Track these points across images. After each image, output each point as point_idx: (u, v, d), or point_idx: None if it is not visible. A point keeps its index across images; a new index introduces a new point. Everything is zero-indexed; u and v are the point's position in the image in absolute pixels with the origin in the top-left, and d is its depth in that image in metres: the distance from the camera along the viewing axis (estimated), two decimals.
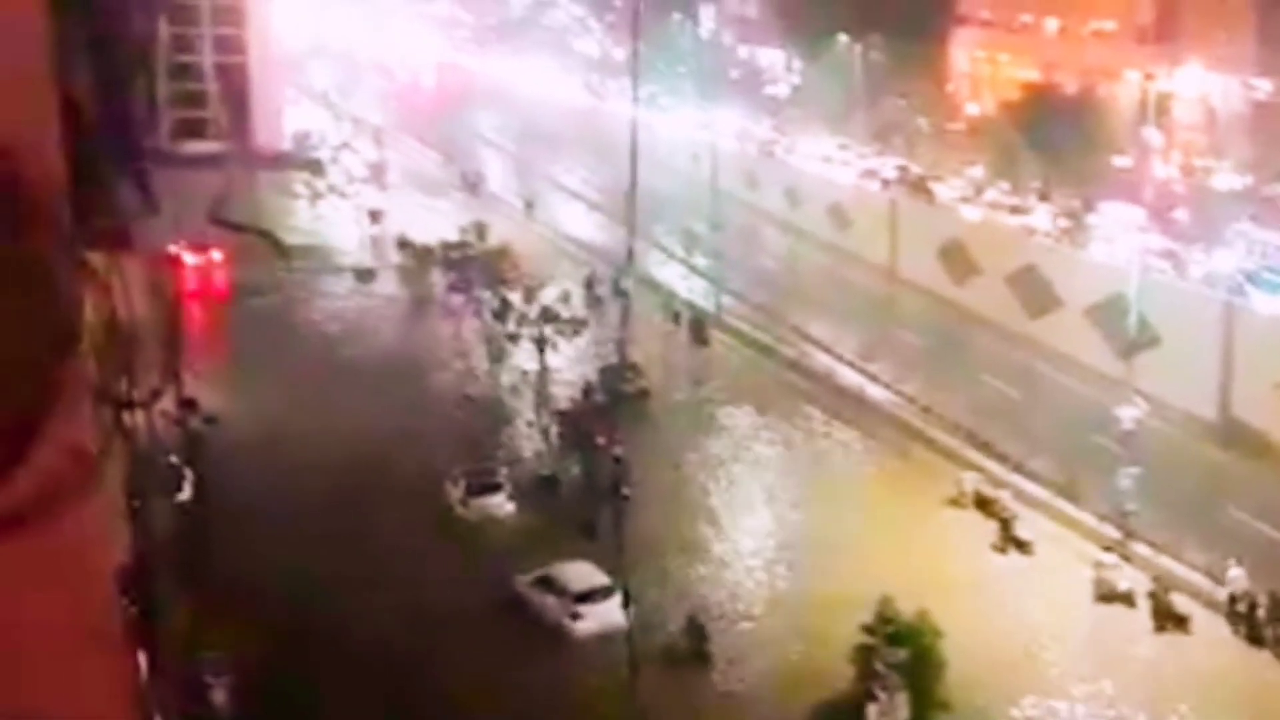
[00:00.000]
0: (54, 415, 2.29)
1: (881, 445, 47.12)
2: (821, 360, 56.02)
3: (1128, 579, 36.92)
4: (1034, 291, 56.03)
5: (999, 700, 32.42)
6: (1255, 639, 34.73)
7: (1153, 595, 36.14)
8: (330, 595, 36.95)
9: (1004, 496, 41.40)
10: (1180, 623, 35.57)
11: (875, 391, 52.09)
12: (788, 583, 38.92)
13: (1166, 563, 37.75)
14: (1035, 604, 36.79)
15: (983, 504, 41.63)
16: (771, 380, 54.75)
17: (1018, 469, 43.94)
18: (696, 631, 34.94)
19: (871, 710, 31.80)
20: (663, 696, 30.64)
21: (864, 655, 32.15)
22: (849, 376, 53.84)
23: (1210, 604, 35.94)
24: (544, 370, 56.20)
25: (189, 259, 54.80)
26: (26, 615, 2.36)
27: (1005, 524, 40.24)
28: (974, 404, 48.70)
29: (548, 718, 32.59)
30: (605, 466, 43.38)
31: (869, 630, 32.28)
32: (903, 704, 31.86)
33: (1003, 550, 39.75)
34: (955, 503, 42.06)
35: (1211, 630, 35.33)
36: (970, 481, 42.50)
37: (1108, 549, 38.23)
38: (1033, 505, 41.97)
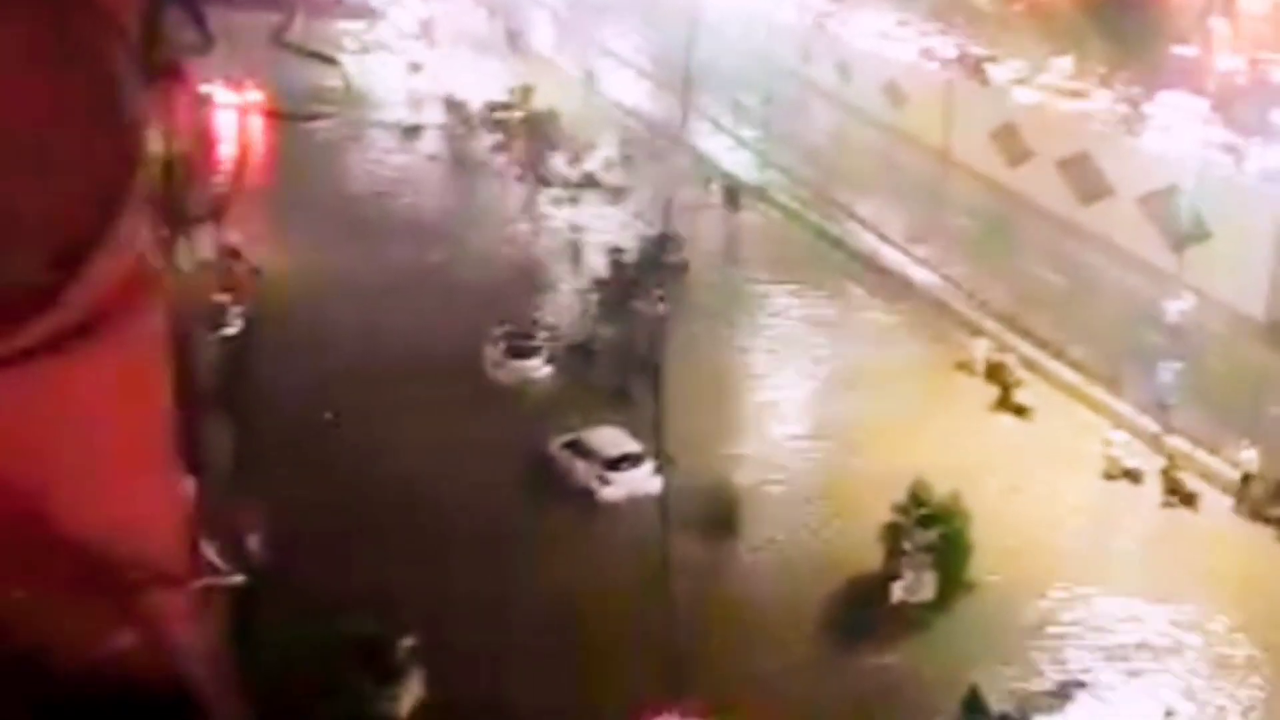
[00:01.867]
0: (117, 230, 2.31)
1: (923, 328, 46.68)
2: (867, 240, 55.40)
3: (1137, 457, 37.34)
4: (1086, 178, 55.08)
5: (1025, 583, 32.41)
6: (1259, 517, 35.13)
7: (1164, 473, 36.70)
8: (364, 451, 37.18)
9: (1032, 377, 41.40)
10: (1189, 500, 36.02)
11: (920, 273, 51.54)
12: (821, 458, 38.87)
13: (1198, 453, 37.56)
14: (1066, 489, 36.65)
15: (993, 373, 42.22)
16: (816, 257, 54.22)
17: (1059, 356, 43.55)
18: (727, 500, 35.00)
19: (897, 588, 31.88)
20: (690, 563, 30.74)
21: (893, 534, 32.16)
22: (894, 257, 53.25)
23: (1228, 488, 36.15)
24: (585, 236, 55.80)
25: (227, 97, 54.29)
26: (83, 427, 2.38)
27: (1007, 390, 41.17)
28: (1019, 290, 48.13)
29: (573, 575, 32.74)
30: (641, 334, 43.31)
31: (900, 510, 32.25)
32: (929, 583, 31.92)
33: (1009, 409, 40.07)
34: (963, 367, 42.65)
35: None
36: (983, 350, 42.94)
37: (1138, 437, 38.23)
38: (1070, 392, 41.66)
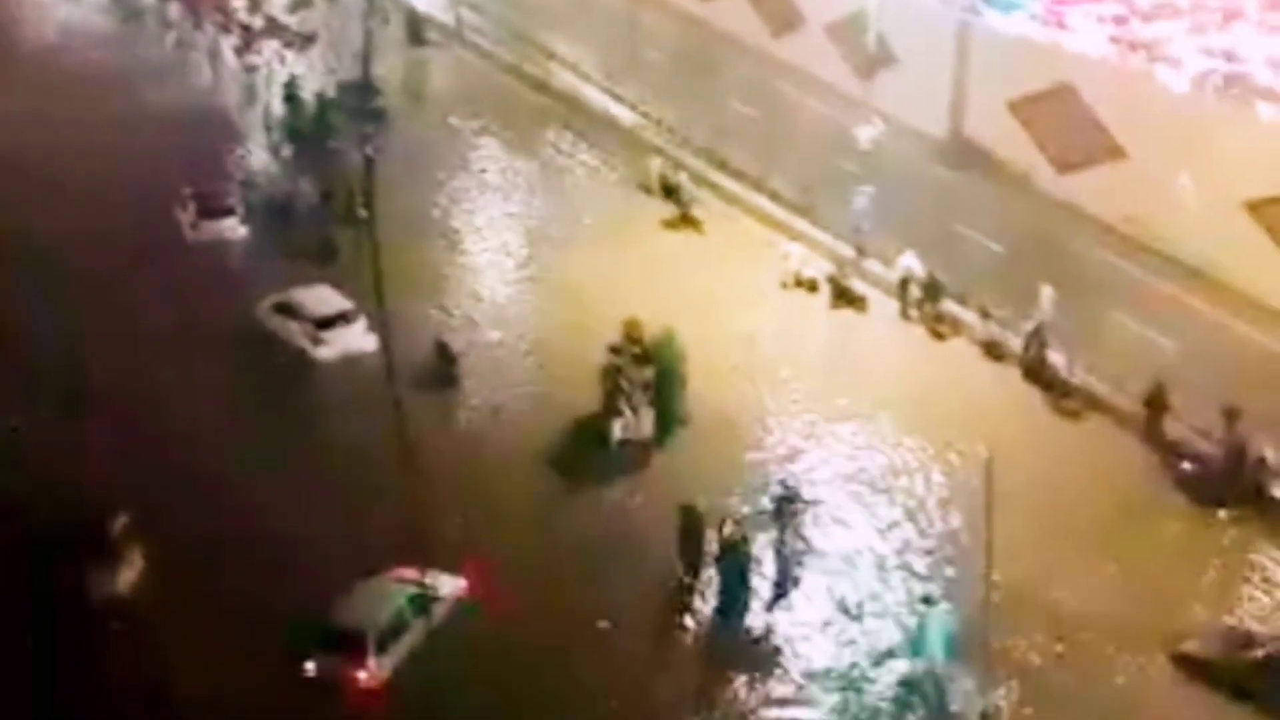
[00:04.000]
0: None
1: (627, 167, 46.81)
2: (567, 80, 54.89)
3: (818, 270, 39.53)
4: (777, 8, 55.70)
5: (739, 412, 33.42)
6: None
7: (831, 279, 39.10)
8: (61, 318, 35.52)
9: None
10: (856, 302, 38.63)
11: (621, 112, 51.49)
12: (535, 305, 38.92)
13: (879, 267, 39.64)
14: (770, 319, 37.82)
15: (669, 191, 43.72)
16: (516, 99, 53.50)
17: (758, 188, 44.42)
18: (444, 355, 34.76)
19: (616, 426, 32.44)
20: (412, 417, 30.50)
21: (610, 375, 32.58)
22: (596, 98, 52.98)
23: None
24: (272, 84, 53.56)
25: None
26: None
27: (685, 216, 42.85)
28: (718, 124, 48.64)
29: (294, 440, 32.19)
30: (343, 185, 42.19)
31: (615, 351, 32.66)
32: (647, 420, 32.59)
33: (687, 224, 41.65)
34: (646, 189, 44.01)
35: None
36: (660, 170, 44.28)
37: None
38: (770, 223, 42.68)
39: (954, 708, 25.10)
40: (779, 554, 28.17)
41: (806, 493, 30.42)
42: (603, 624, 26.77)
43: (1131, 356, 34.46)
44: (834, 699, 25.57)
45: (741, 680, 25.90)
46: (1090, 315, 36.31)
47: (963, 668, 25.54)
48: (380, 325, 33.96)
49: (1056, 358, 35.21)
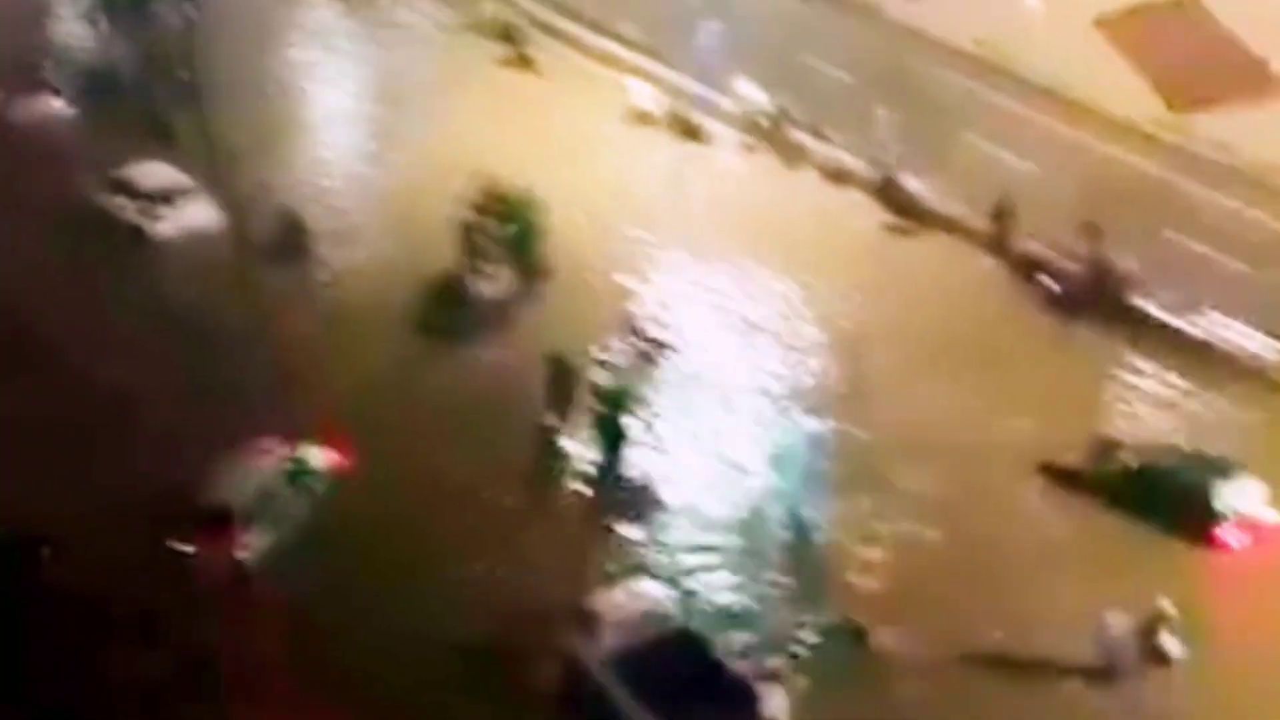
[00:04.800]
0: None
1: (461, 14, 45.05)
2: None
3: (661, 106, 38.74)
4: None
5: (599, 260, 32.80)
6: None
7: (675, 115, 38.39)
8: None
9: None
10: (701, 136, 37.99)
11: None
12: (379, 165, 37.57)
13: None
14: (619, 160, 37.07)
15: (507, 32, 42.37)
16: None
17: (597, 28, 43.17)
18: (293, 225, 33.39)
19: (478, 285, 31.68)
20: (265, 289, 29.38)
21: (468, 233, 31.69)
22: None
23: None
24: None
25: None
26: None
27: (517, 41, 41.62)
28: None
29: (139, 319, 30.74)
30: (166, 50, 39.94)
31: (472, 208, 31.72)
32: (507, 275, 31.85)
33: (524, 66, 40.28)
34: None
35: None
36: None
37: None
38: (612, 63, 41.60)
39: (818, 537, 25.21)
40: (648, 402, 27.85)
41: (674, 336, 30.10)
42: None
43: (985, 177, 34.48)
44: (719, 541, 25.50)
45: (621, 529, 25.68)
46: (942, 139, 36.25)
47: (838, 496, 25.67)
48: (221, 197, 32.61)
49: (910, 182, 35.11)
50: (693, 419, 28.24)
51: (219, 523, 24.32)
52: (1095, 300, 31.16)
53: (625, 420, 27.28)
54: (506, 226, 31.63)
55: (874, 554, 24.51)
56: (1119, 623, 22.29)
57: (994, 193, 33.48)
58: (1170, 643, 22.34)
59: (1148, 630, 22.35)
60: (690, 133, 38.23)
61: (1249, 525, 25.23)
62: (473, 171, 32.33)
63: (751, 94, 38.21)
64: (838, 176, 36.31)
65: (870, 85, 38.36)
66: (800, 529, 25.53)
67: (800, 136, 37.48)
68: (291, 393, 26.90)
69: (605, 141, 37.85)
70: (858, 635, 23.05)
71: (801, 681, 22.21)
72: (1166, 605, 22.41)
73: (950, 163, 35.58)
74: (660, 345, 29.87)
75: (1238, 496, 25.43)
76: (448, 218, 31.86)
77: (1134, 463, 26.31)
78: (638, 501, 26.37)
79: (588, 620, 22.43)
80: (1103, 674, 22.23)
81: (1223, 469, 25.87)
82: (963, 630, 23.18)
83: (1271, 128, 34.57)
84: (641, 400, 27.88)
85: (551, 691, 22.00)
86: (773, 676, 22.01)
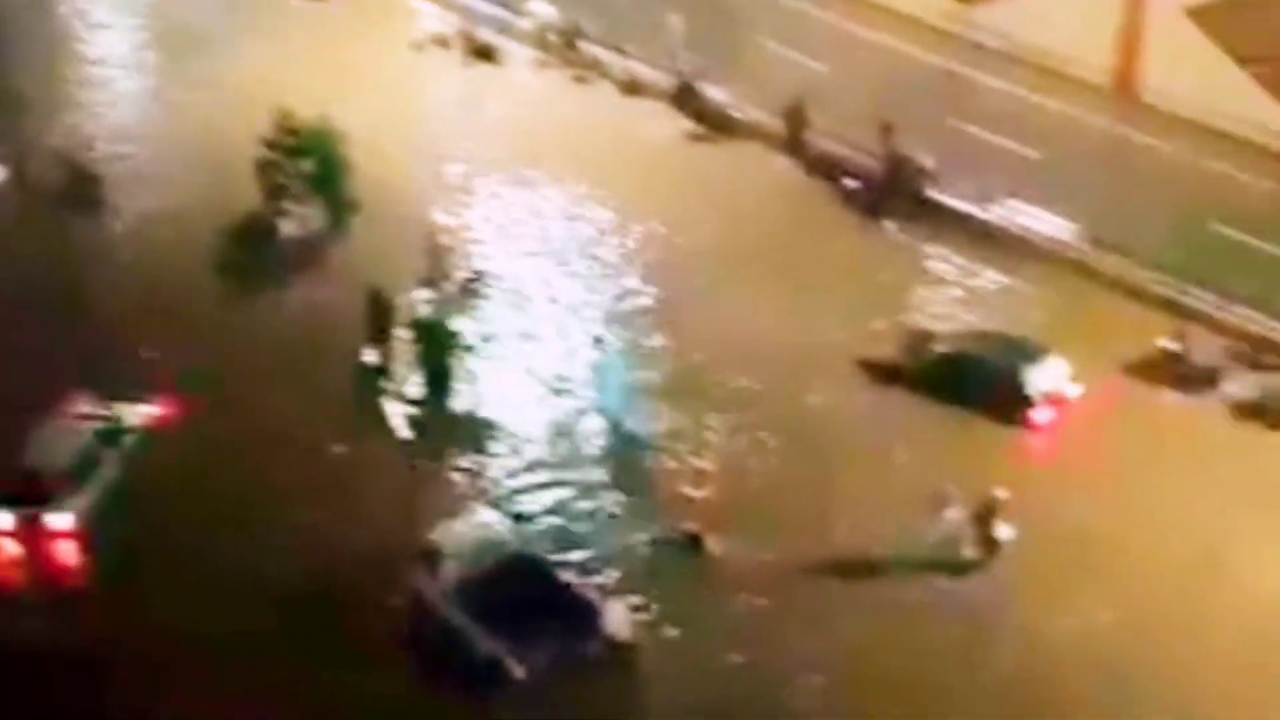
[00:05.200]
0: None
1: None
2: None
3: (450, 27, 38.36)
4: None
5: (408, 191, 32.39)
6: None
7: (464, 35, 38.05)
8: None
9: None
10: (492, 56, 37.75)
11: None
12: (168, 104, 36.33)
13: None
14: (416, 86, 36.67)
15: None
16: None
17: None
18: (82, 175, 32.19)
19: (285, 225, 31.04)
20: (59, 242, 28.31)
21: (268, 171, 30.95)
22: None
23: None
24: None
25: None
26: None
27: None
28: None
29: None
30: None
31: (269, 144, 30.93)
32: (313, 214, 31.27)
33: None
34: None
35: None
36: None
37: None
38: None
39: (644, 451, 25.54)
40: (468, 331, 27.77)
41: (487, 262, 29.97)
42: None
43: (782, 81, 34.83)
44: (549, 463, 25.66)
45: (451, 461, 25.63)
46: (736, 44, 36.47)
47: (663, 409, 26.04)
48: (2, 150, 31.27)
49: (707, 89, 35.33)
50: (512, 344, 28.23)
51: (31, 490, 23.56)
52: (896, 196, 31.88)
53: (447, 351, 27.16)
54: (304, 161, 30.93)
55: (704, 463, 24.95)
56: (954, 514, 22.95)
57: (789, 94, 33.92)
58: (1001, 528, 22.99)
59: (981, 518, 22.98)
60: (483, 53, 37.86)
61: (1056, 401, 26.31)
62: (269, 108, 31.52)
63: (542, 10, 38.01)
64: (633, 88, 36.41)
65: None
66: (625, 444, 25.83)
67: (594, 50, 37.45)
68: (101, 349, 26.11)
69: (401, 68, 37.21)
70: (693, 544, 23.51)
71: (642, 594, 22.57)
72: (997, 491, 23.01)
73: (746, 68, 35.84)
74: (475, 273, 29.70)
75: (1045, 376, 26.48)
76: (248, 158, 31.08)
77: (947, 351, 27.11)
78: (465, 432, 26.33)
79: (428, 556, 22.41)
80: (942, 567, 22.85)
81: (1030, 351, 26.85)
82: (799, 533, 23.68)
83: (1049, 13, 35.54)
84: (461, 330, 27.74)
85: (392, 634, 21.91)
86: (612, 592, 22.35)
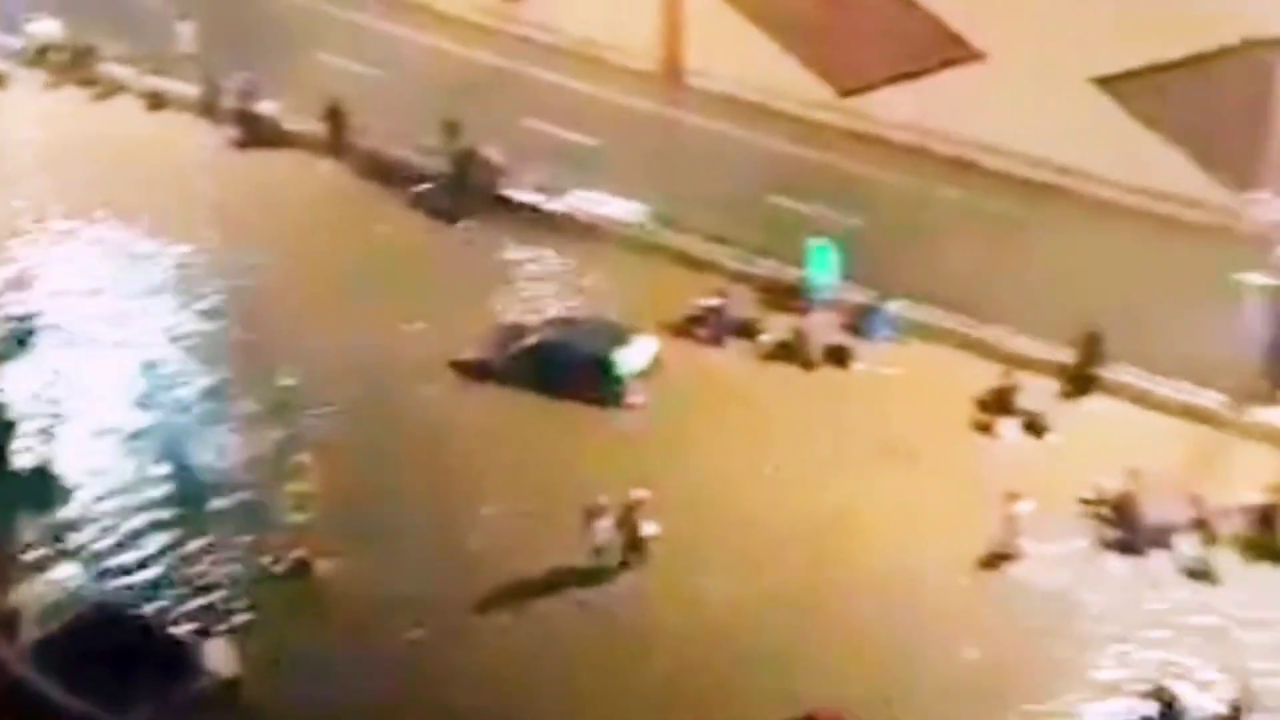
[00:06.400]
0: None
1: None
2: None
3: None
4: None
5: None
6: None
7: None
8: None
9: None
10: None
11: None
12: None
13: None
14: None
15: None
16: None
17: None
18: None
19: None
20: None
21: None
22: None
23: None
24: None
25: None
26: None
27: None
28: None
29: None
30: None
31: None
32: None
33: None
34: None
35: None
36: None
37: None
38: None
39: (214, 478, 24.27)
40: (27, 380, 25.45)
41: (40, 303, 27.67)
42: None
43: (336, 91, 33.69)
44: (128, 506, 23.72)
45: (26, 519, 23.28)
46: (290, 59, 35.23)
47: (253, 436, 24.82)
48: None
49: (254, 102, 33.92)
50: (76, 387, 26.03)
51: None
52: (466, 194, 31.39)
53: (3, 405, 24.74)
54: None
55: (305, 486, 23.56)
56: (603, 524, 22.10)
57: (345, 103, 33.02)
58: (647, 526, 22.35)
59: (625, 521, 22.28)
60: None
61: (647, 377, 26.38)
62: None
63: (43, 29, 35.96)
64: (159, 102, 35.03)
65: (177, 3, 36.28)
66: (194, 475, 24.22)
67: (111, 67, 35.78)
68: None
69: None
70: (302, 571, 22.25)
71: (249, 627, 21.17)
72: (635, 492, 22.36)
73: (298, 80, 34.55)
74: (27, 317, 27.35)
75: (634, 356, 26.54)
76: None
77: (533, 343, 26.69)
78: (34, 488, 24.03)
79: (5, 620, 20.26)
80: (598, 576, 22.15)
81: (618, 333, 26.83)
82: (419, 547, 22.64)
83: (590, 4, 35.98)
84: (17, 379, 25.34)
85: None
86: (208, 630, 20.88)
